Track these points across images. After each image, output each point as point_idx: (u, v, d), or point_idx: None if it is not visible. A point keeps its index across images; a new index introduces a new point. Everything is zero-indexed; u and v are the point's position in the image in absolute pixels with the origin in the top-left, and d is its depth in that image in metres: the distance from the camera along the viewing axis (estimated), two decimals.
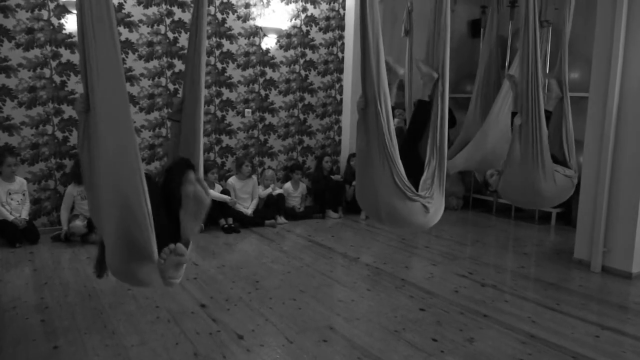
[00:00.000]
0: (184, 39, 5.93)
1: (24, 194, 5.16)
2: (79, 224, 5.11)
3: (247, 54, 6.38)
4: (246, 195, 6.15)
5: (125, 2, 5.57)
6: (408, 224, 2.81)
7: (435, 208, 2.79)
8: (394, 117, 2.72)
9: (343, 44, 7.00)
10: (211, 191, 5.66)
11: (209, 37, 5.96)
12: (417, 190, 2.72)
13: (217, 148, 6.34)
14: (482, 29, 7.04)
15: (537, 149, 3.26)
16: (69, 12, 5.29)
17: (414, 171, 2.77)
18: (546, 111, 3.59)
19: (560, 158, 3.55)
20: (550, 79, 3.74)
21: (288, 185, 6.59)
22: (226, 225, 5.80)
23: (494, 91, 4.13)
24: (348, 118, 6.96)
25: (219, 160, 6.37)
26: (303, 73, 6.83)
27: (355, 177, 2.91)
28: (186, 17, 5.91)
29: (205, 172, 4.65)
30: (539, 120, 3.25)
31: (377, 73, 2.53)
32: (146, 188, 1.97)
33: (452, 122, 6.85)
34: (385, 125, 2.55)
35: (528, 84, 3.29)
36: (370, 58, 2.51)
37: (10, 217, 4.97)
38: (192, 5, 5.83)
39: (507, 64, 6.44)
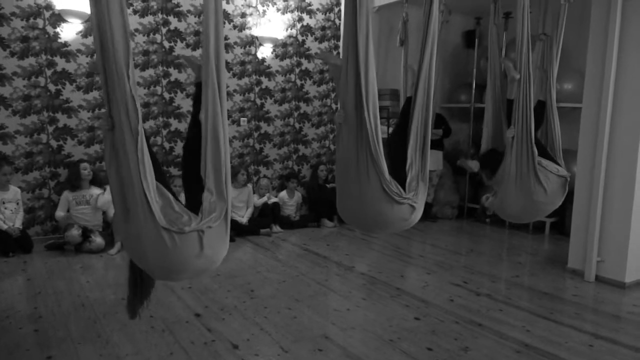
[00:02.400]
0: (179, 48, 5.95)
1: (17, 203, 5.13)
2: (75, 233, 5.08)
3: (243, 63, 6.41)
4: (241, 204, 6.15)
5: None
6: (396, 226, 2.82)
7: (419, 205, 2.81)
8: (389, 126, 2.74)
9: (339, 53, 7.04)
10: None
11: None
12: (403, 187, 2.72)
13: None
14: (476, 40, 7.13)
15: (529, 158, 3.31)
16: (65, 20, 5.30)
17: (402, 167, 2.80)
18: (540, 101, 3.67)
19: (550, 154, 3.62)
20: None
21: (283, 193, 6.60)
22: None
23: (505, 104, 4.14)
24: None
25: None
26: (299, 82, 6.86)
27: (336, 190, 2.86)
28: (182, 26, 5.94)
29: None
30: (529, 130, 3.32)
31: (366, 82, 2.53)
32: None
33: (447, 132, 6.94)
34: (373, 135, 2.55)
35: (521, 96, 3.33)
36: (359, 66, 2.49)
37: (4, 226, 4.94)
38: (188, 15, 5.88)
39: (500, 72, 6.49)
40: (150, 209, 2.11)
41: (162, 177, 2.34)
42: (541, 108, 3.68)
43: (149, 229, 2.12)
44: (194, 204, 2.28)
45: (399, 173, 2.76)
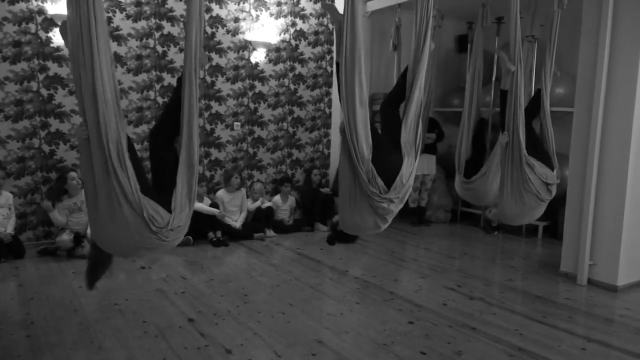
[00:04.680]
0: (172, 53, 5.95)
1: (9, 208, 5.10)
2: (66, 238, 5.05)
3: (236, 67, 6.41)
4: (235, 209, 6.14)
5: (114, 15, 5.58)
6: (373, 220, 2.85)
7: (400, 200, 2.83)
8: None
9: (332, 57, 7.06)
10: (200, 204, 5.66)
11: None
12: (393, 179, 2.76)
13: (206, 161, 6.33)
14: (469, 44, 7.17)
15: (520, 155, 3.39)
16: (57, 25, 5.28)
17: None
18: (537, 91, 3.75)
19: (546, 150, 3.69)
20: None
21: (277, 198, 6.59)
22: (215, 239, 5.78)
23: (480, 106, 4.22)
24: (337, 131, 6.99)
25: (207, 174, 6.36)
26: (292, 86, 6.87)
27: (339, 198, 2.94)
28: (175, 31, 5.93)
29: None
30: (519, 132, 3.39)
31: (346, 92, 2.57)
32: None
33: (440, 136, 6.96)
34: (354, 146, 2.60)
35: (512, 99, 3.38)
36: (347, 77, 2.55)
37: None
38: (183, 21, 5.88)
39: (494, 78, 6.53)
40: (137, 212, 2.29)
41: (145, 182, 2.45)
42: (539, 95, 3.77)
43: (127, 225, 2.29)
44: (165, 196, 2.42)
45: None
